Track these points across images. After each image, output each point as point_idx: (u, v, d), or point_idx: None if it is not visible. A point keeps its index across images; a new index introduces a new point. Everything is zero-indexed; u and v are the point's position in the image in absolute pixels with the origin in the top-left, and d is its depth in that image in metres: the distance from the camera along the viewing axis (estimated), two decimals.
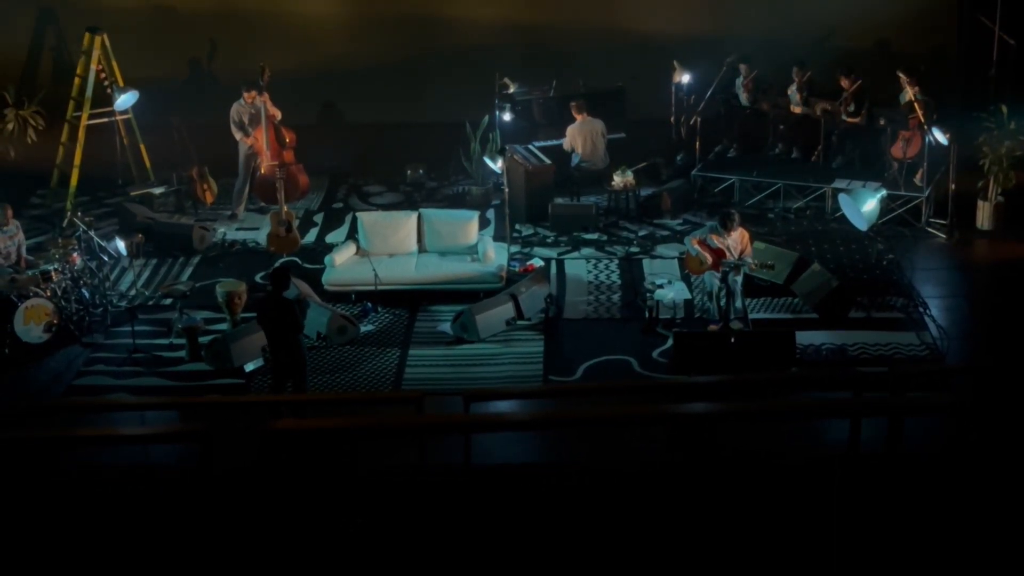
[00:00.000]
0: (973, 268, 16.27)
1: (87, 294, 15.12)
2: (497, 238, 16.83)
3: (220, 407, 12.84)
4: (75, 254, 15.13)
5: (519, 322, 14.77)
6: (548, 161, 17.95)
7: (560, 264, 16.44)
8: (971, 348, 14.09)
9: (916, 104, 16.87)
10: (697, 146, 18.54)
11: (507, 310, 14.71)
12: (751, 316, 14.70)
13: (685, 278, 15.56)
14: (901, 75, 17.39)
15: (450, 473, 11.03)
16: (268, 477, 10.31)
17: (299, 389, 12.71)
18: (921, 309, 14.79)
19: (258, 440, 10.44)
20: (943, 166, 16.94)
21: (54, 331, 14.51)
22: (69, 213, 17.58)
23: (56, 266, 14.83)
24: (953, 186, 16.72)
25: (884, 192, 16.44)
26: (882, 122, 17.44)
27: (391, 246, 16.03)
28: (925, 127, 16.62)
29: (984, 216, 16.97)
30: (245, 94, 17.65)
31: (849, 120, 17.86)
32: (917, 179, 17.09)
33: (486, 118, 18.66)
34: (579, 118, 17.93)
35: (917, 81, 17.23)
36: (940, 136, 16.49)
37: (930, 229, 16.96)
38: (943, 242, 16.71)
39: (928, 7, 19.41)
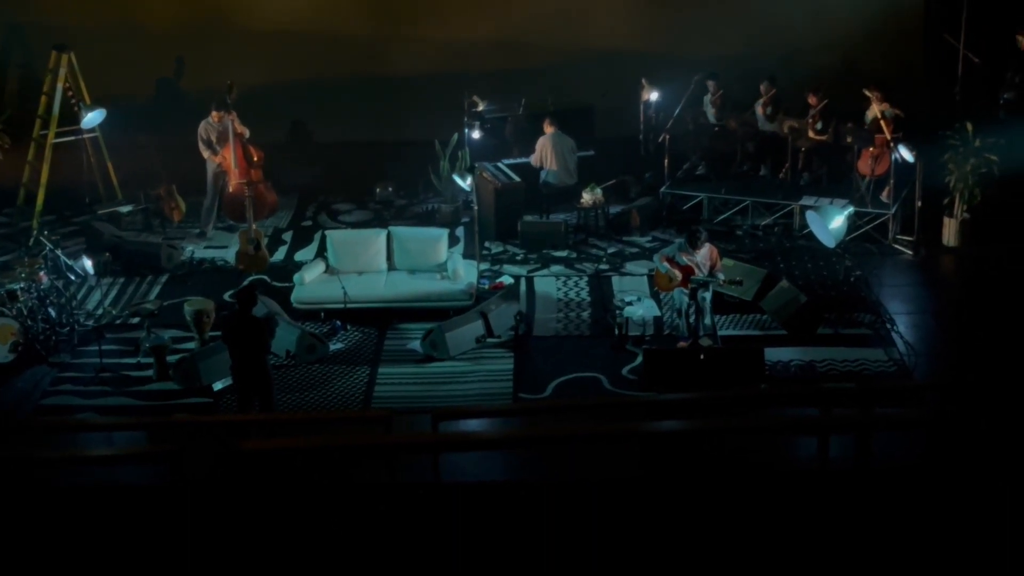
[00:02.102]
0: (939, 284, 16.37)
1: (54, 313, 15.02)
2: (467, 256, 16.82)
3: (189, 426, 12.77)
4: (41, 273, 15.03)
5: (489, 340, 14.75)
6: (517, 179, 17.98)
7: (530, 281, 16.45)
8: (938, 364, 14.17)
9: (883, 122, 16.98)
10: (666, 163, 18.59)
11: (477, 328, 14.70)
12: (720, 333, 14.74)
13: (654, 295, 15.59)
14: (868, 92, 17.50)
15: (420, 491, 11.01)
16: (237, 496, 10.26)
17: (266, 408, 12.65)
18: (888, 325, 14.86)
19: (227, 459, 10.40)
20: (910, 183, 17.06)
21: (20, 351, 14.40)
22: (35, 232, 17.45)
23: (22, 285, 14.72)
24: (919, 203, 16.84)
25: (851, 209, 16.53)
26: (848, 139, 17.55)
27: (360, 264, 16.00)
28: (891, 144, 16.73)
29: (950, 233, 17.08)
30: (213, 112, 17.60)
31: (816, 137, 17.95)
32: (884, 196, 17.19)
33: (455, 136, 18.67)
34: (549, 130, 17.99)
35: (884, 97, 17.34)
36: (906, 153, 16.60)
37: (897, 246, 17.06)
38: (910, 259, 16.81)
39: (894, 26, 19.55)
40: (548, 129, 18.03)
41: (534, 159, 18.17)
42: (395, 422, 12.11)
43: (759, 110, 18.39)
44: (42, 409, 13.70)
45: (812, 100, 17.88)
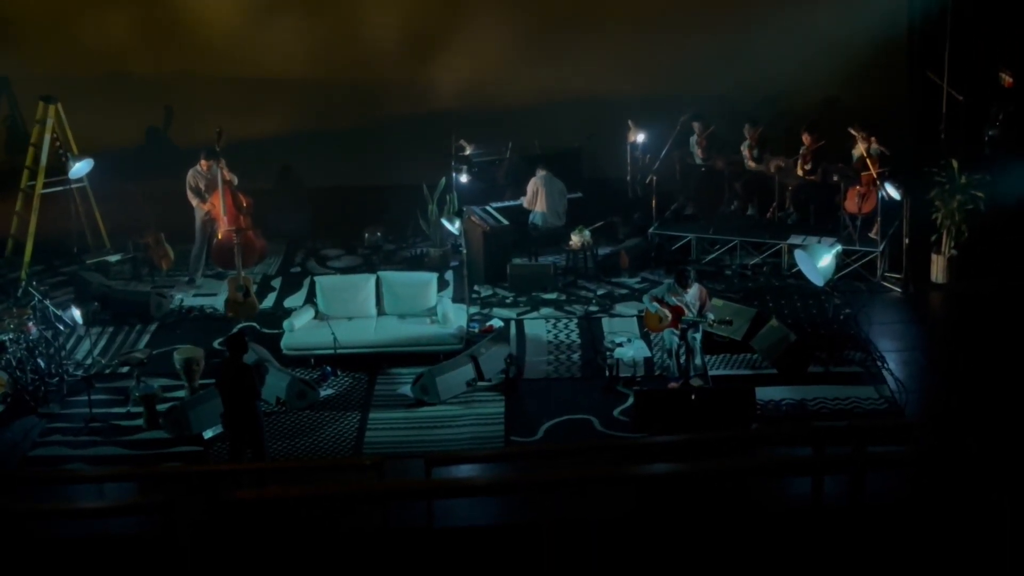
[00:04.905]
0: (929, 321, 16.40)
1: (43, 364, 14.93)
2: (456, 299, 16.82)
3: (180, 476, 12.69)
4: (30, 323, 14.97)
5: (479, 383, 14.73)
6: (506, 222, 18.02)
7: (520, 324, 16.44)
8: (928, 401, 14.17)
9: (868, 159, 17.07)
10: (653, 204, 18.65)
11: (467, 371, 14.68)
12: (711, 373, 14.74)
13: (644, 336, 15.60)
14: (853, 130, 17.58)
15: (413, 536, 10.96)
16: (230, 545, 10.19)
17: (257, 456, 12.59)
18: (879, 363, 14.87)
19: (219, 509, 10.33)
20: (897, 221, 17.13)
21: (9, 402, 14.34)
22: (24, 282, 17.41)
23: (11, 336, 14.66)
24: (907, 240, 16.89)
25: (839, 247, 16.56)
26: (835, 178, 17.60)
27: (350, 309, 15.97)
28: (878, 182, 16.80)
29: (938, 269, 17.12)
30: (202, 161, 17.60)
31: (804, 176, 18.00)
32: (872, 234, 17.25)
33: (443, 180, 18.72)
34: (541, 172, 18.09)
35: (869, 135, 17.42)
36: (893, 191, 16.67)
37: (886, 283, 17.10)
38: (899, 296, 16.85)
39: (877, 64, 19.64)
40: (540, 171, 18.13)
41: (526, 200, 18.25)
42: (387, 467, 12.04)
43: (745, 152, 18.44)
44: (31, 460, 13.62)
45: (807, 139, 17.94)
